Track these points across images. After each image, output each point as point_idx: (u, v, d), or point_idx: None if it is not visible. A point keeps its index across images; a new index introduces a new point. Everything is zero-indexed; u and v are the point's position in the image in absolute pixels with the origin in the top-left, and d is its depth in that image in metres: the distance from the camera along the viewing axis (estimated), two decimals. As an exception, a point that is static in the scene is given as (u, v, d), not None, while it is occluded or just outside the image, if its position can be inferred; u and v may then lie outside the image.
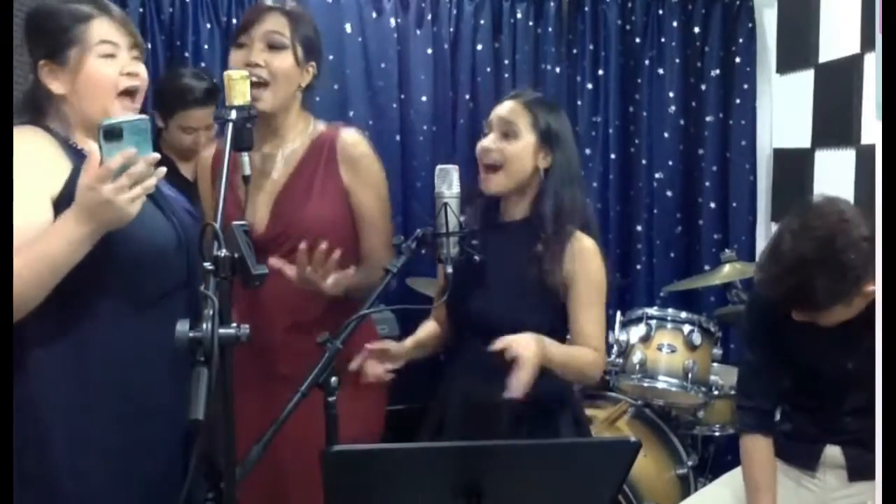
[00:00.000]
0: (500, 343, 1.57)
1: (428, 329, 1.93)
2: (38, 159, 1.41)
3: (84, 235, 1.31)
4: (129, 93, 1.48)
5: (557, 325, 1.80)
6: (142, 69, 1.52)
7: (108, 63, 1.46)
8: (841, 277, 1.57)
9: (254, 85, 1.58)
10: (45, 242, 1.31)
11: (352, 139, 1.79)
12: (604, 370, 1.89)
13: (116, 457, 1.44)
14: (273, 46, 1.69)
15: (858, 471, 1.81)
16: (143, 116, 1.38)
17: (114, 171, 1.29)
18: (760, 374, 1.90)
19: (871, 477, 1.74)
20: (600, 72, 3.20)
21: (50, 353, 1.41)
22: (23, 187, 1.33)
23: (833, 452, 1.85)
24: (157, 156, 1.35)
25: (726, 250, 2.80)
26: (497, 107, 1.82)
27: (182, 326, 1.12)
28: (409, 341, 1.84)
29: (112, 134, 1.31)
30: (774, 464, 1.86)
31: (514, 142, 1.75)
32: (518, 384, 1.54)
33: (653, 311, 2.69)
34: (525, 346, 1.57)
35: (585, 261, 1.76)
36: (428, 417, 1.90)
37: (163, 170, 1.36)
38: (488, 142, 1.76)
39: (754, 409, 1.89)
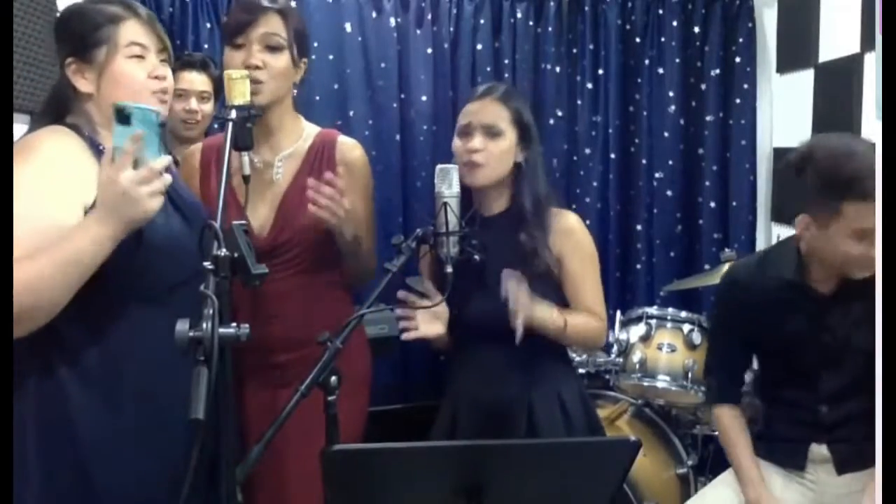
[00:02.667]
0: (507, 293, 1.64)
1: None
2: (71, 164, 1.41)
3: (106, 234, 1.31)
4: (156, 94, 1.50)
5: (557, 307, 1.82)
6: (169, 72, 1.53)
7: (137, 64, 1.48)
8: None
9: (252, 83, 1.58)
10: (70, 242, 1.30)
11: (351, 144, 1.84)
12: (605, 339, 1.99)
13: (147, 452, 1.44)
14: (271, 48, 1.69)
15: (845, 463, 1.83)
16: (155, 108, 1.38)
17: (127, 158, 1.29)
18: (727, 354, 1.97)
19: (860, 468, 1.79)
20: (600, 72, 3.20)
21: (78, 354, 1.41)
22: (56, 194, 1.34)
23: (819, 449, 1.87)
24: (169, 159, 1.36)
25: (726, 250, 2.80)
26: (472, 105, 1.82)
27: (182, 326, 1.12)
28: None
29: (122, 115, 1.33)
30: (744, 425, 1.95)
31: (498, 140, 1.79)
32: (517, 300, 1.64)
33: (653, 310, 2.69)
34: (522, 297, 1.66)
35: (573, 236, 1.83)
36: (439, 420, 1.91)
37: (169, 178, 1.36)
38: (475, 143, 1.77)
39: (719, 383, 2.00)
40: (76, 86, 1.47)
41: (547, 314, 1.74)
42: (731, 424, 1.95)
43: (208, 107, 2.47)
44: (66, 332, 1.39)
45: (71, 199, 1.37)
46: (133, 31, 1.48)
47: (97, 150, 1.46)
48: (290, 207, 1.75)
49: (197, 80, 2.44)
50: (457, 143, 1.82)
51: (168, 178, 1.35)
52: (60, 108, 1.49)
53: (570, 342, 1.86)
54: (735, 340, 1.94)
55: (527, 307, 1.66)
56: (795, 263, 1.80)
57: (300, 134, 1.82)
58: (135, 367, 1.44)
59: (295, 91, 1.79)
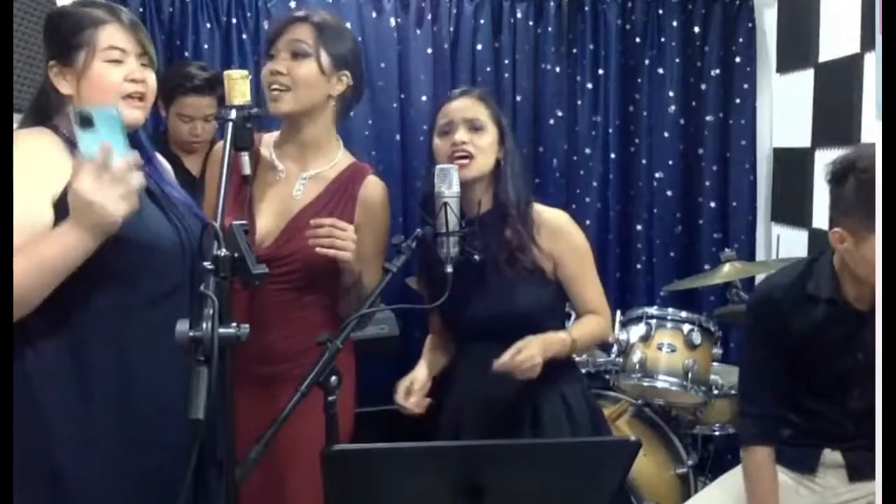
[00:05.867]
0: (508, 354, 1.64)
1: (434, 351, 1.95)
2: (40, 160, 1.42)
3: (77, 241, 1.31)
4: (133, 97, 1.50)
5: (553, 303, 1.84)
6: (149, 76, 1.53)
7: (114, 68, 1.48)
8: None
9: (276, 90, 1.67)
10: (44, 247, 1.31)
11: (374, 182, 1.82)
12: (612, 331, 2.01)
13: (117, 455, 1.44)
14: (296, 54, 1.71)
15: (859, 471, 1.81)
16: (112, 105, 1.38)
17: (91, 166, 1.28)
18: (765, 376, 1.87)
19: (873, 476, 1.74)
20: (600, 72, 3.21)
21: (48, 353, 1.41)
22: (23, 187, 1.34)
23: (833, 455, 1.85)
24: (136, 156, 1.35)
25: (726, 250, 2.80)
26: (451, 104, 1.82)
27: (182, 326, 1.12)
28: (425, 370, 1.85)
29: (85, 121, 1.32)
30: (776, 475, 1.85)
31: (482, 134, 1.78)
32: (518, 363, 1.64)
33: (653, 310, 2.68)
34: (529, 350, 1.65)
35: (566, 235, 1.83)
36: (443, 422, 1.90)
37: (139, 176, 1.35)
38: (461, 136, 1.76)
39: (759, 416, 1.87)
40: (58, 88, 1.48)
41: (558, 346, 1.73)
42: (764, 470, 1.84)
43: (212, 125, 2.50)
44: (35, 327, 1.39)
45: (38, 193, 1.38)
46: (112, 36, 1.48)
47: (76, 148, 1.45)
48: (301, 226, 1.72)
49: (203, 104, 2.45)
50: (438, 142, 1.81)
51: (138, 176, 1.33)
52: (44, 109, 1.50)
53: (582, 352, 1.84)
54: (779, 367, 1.84)
55: (536, 366, 1.66)
56: (831, 281, 1.76)
57: (333, 158, 1.81)
58: (109, 370, 1.43)
59: (332, 103, 1.76)
